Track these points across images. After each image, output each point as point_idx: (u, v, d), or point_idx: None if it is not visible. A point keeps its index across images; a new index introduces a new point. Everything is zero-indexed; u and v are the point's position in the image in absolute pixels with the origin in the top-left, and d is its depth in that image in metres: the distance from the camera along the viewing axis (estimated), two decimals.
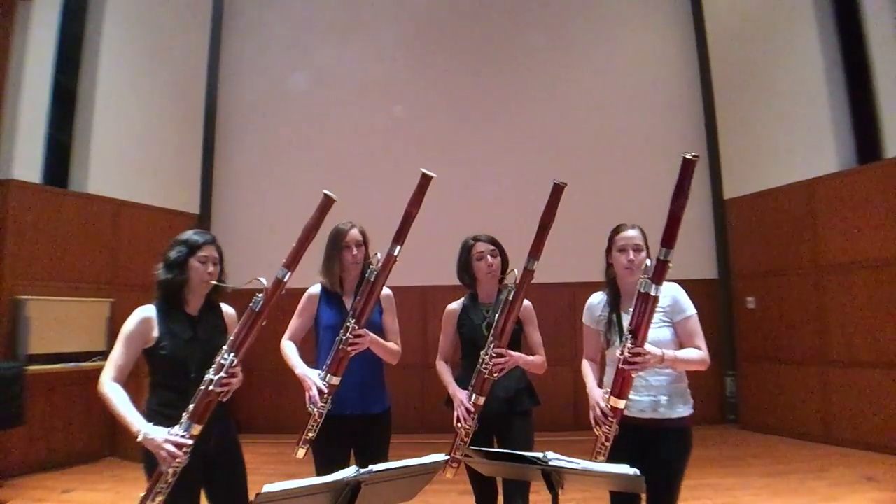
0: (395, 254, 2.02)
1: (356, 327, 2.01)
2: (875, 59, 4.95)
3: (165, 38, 6.24)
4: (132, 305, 1.95)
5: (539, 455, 1.58)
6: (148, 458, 1.77)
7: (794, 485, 3.96)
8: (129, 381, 1.85)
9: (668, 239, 1.70)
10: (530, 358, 2.28)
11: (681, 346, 1.99)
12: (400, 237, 2.03)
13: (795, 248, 5.51)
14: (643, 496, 1.87)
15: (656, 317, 1.86)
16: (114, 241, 5.51)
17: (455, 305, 2.43)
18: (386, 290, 2.21)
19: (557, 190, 2.06)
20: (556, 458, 1.55)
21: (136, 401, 1.79)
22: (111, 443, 5.13)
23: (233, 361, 1.75)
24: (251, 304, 1.77)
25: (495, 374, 2.09)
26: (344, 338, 2.00)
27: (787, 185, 5.59)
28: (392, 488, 1.53)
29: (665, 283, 1.75)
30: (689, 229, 5.92)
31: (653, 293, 1.72)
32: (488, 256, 2.32)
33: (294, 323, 2.28)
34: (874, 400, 4.79)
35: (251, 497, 1.44)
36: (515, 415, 2.26)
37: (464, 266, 2.39)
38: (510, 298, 2.10)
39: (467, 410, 2.10)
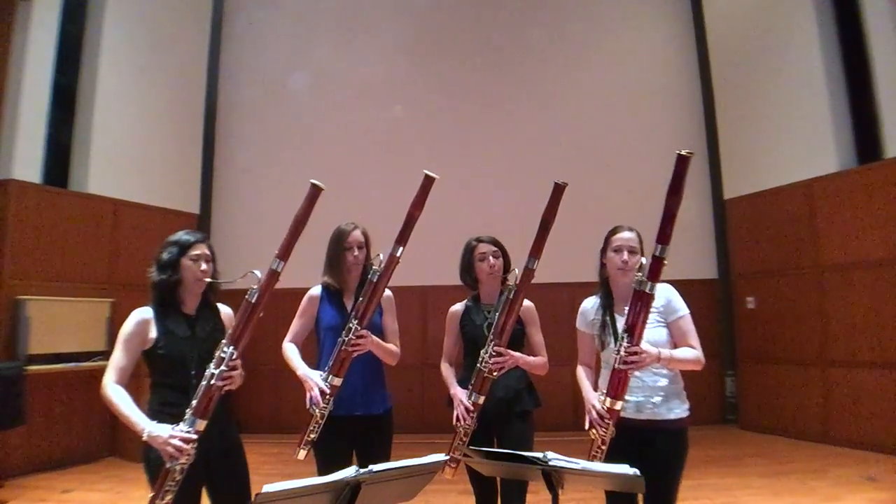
0: (398, 255, 2.02)
1: (359, 328, 2.01)
2: (875, 59, 4.95)
3: (165, 38, 6.24)
4: (132, 305, 1.95)
5: (539, 455, 1.58)
6: (148, 458, 1.78)
7: (794, 485, 3.96)
8: (129, 381, 1.85)
9: (664, 236, 1.70)
10: (530, 358, 2.28)
11: (675, 346, 1.99)
12: (402, 238, 2.03)
13: (795, 248, 5.51)
14: (640, 497, 1.86)
15: (651, 317, 1.86)
16: (114, 240, 5.50)
17: (458, 307, 2.44)
18: (386, 292, 2.21)
19: (558, 190, 2.07)
20: (555, 458, 1.55)
21: (137, 401, 1.80)
22: (111, 443, 5.13)
23: (233, 354, 1.75)
24: (247, 296, 1.78)
25: (494, 373, 2.09)
26: (346, 339, 2.00)
27: (787, 185, 5.59)
28: (392, 488, 1.53)
29: (658, 285, 1.74)
30: (689, 229, 6.02)
31: (648, 290, 1.72)
32: (490, 257, 2.33)
33: (295, 324, 2.28)
34: (874, 400, 4.79)
35: (252, 497, 1.44)
36: (515, 415, 2.26)
37: (466, 267, 2.40)
38: (511, 297, 2.11)
39: (466, 409, 2.11)
